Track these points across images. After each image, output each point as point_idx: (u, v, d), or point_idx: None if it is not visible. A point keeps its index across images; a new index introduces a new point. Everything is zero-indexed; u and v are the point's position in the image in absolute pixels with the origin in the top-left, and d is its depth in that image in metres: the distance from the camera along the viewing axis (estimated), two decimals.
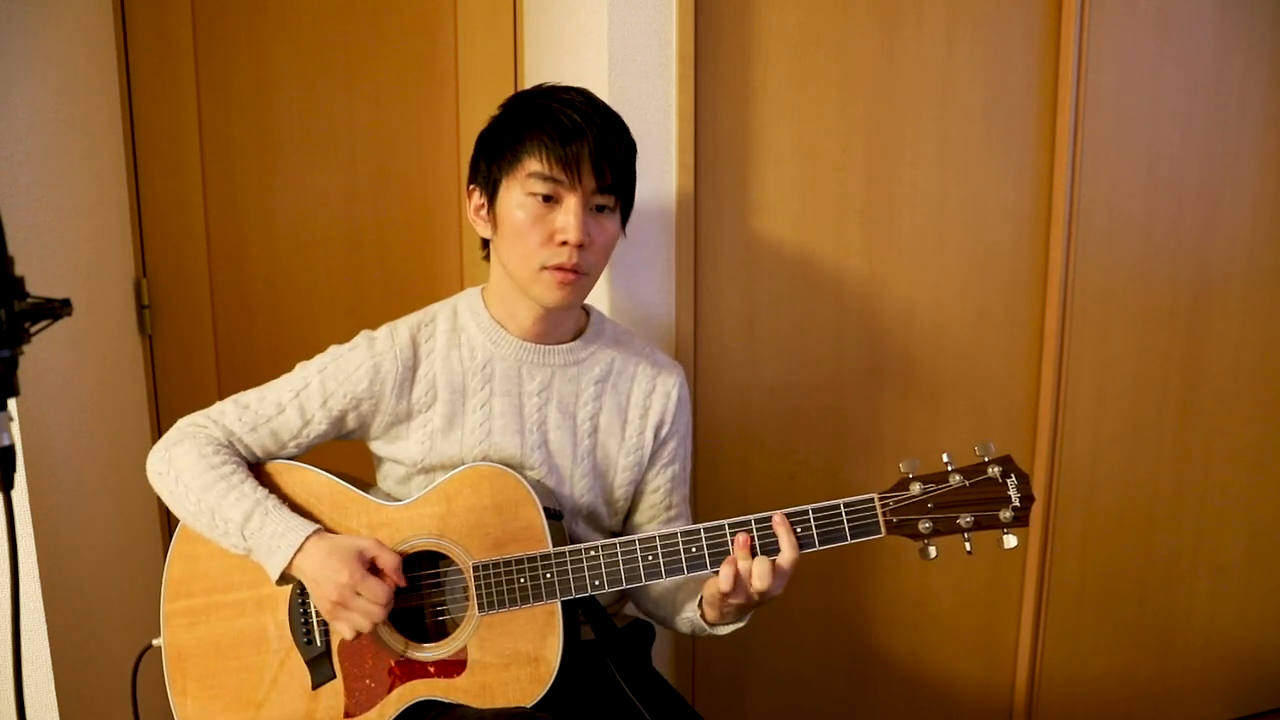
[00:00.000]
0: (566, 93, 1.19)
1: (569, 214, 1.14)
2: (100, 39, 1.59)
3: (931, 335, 1.80)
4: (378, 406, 1.22)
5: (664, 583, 1.29)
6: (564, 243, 1.15)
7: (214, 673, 1.18)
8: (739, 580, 1.09)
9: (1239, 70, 1.89)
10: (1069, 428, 1.90)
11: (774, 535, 1.10)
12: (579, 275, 1.17)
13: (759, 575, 1.08)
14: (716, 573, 1.12)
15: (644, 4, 1.50)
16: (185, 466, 1.16)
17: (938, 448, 1.80)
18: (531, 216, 1.16)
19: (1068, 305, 1.84)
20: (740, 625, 1.20)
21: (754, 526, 1.11)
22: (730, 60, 1.58)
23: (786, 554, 1.09)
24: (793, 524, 1.10)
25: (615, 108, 1.21)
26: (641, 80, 1.52)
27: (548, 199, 1.15)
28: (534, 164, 1.14)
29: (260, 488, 1.16)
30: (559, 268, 1.16)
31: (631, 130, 1.21)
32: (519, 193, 1.16)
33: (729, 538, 1.12)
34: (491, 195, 1.21)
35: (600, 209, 1.17)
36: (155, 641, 1.21)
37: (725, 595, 1.11)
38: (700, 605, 1.20)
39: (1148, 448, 1.99)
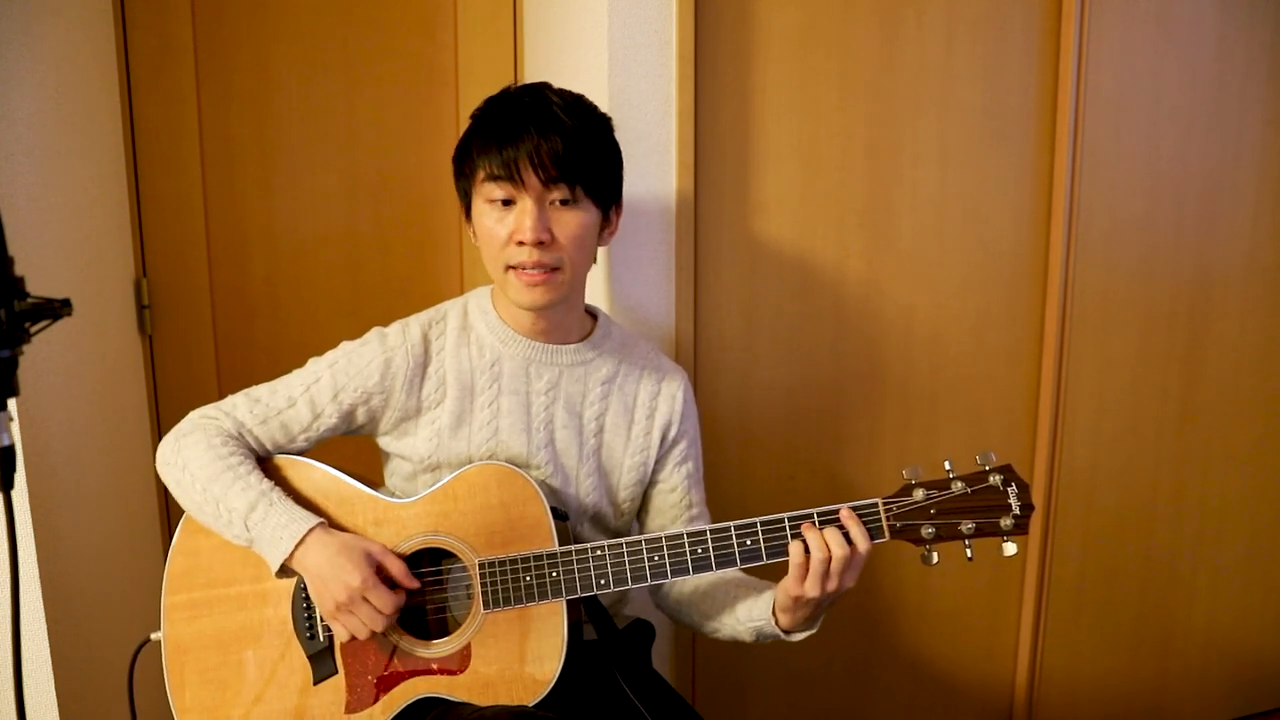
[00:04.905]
0: (516, 94, 1.21)
1: (523, 214, 1.16)
2: (100, 39, 1.59)
3: (931, 335, 1.79)
4: (388, 402, 1.23)
5: (695, 588, 1.30)
6: (521, 242, 1.16)
7: (213, 666, 1.18)
8: (822, 577, 1.09)
9: (1239, 70, 1.89)
10: (1069, 428, 1.90)
11: (781, 539, 1.11)
12: (548, 273, 1.18)
13: (835, 571, 1.09)
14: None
15: (644, 4, 1.50)
16: (193, 456, 1.16)
17: (937, 448, 1.82)
18: (493, 221, 1.18)
19: (1068, 305, 1.84)
20: (814, 631, 1.20)
21: (760, 528, 1.12)
22: (730, 60, 1.58)
23: (861, 544, 1.10)
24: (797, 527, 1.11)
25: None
26: (641, 80, 1.52)
27: (506, 202, 1.17)
28: (483, 172, 1.18)
29: (266, 479, 1.17)
30: (520, 267, 1.17)
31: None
32: (481, 201, 1.20)
33: (734, 540, 1.12)
34: (467, 208, 1.24)
35: (564, 202, 1.18)
36: (154, 635, 1.20)
37: (797, 598, 1.11)
38: (774, 613, 1.19)
39: (1148, 448, 1.98)
